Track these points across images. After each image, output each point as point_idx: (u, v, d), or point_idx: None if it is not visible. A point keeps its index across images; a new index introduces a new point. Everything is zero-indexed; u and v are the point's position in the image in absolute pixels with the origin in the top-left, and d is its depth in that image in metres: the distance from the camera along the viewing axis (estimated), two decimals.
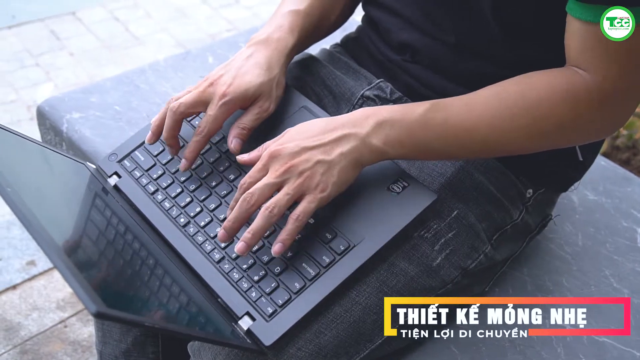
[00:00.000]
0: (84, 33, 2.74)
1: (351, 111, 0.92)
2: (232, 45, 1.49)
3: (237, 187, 0.82)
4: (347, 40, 1.05)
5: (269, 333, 0.72)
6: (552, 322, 0.90)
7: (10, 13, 2.82)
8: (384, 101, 0.92)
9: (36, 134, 2.08)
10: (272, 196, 0.73)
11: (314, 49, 1.13)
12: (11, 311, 1.54)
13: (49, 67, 2.52)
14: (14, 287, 1.61)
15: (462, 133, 0.75)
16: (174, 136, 0.84)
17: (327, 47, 1.07)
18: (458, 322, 0.90)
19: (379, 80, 0.93)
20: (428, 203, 0.78)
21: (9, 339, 1.48)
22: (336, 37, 1.19)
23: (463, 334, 0.88)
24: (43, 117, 1.31)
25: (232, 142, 0.83)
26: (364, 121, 0.75)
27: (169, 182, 0.86)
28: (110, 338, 0.98)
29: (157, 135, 0.86)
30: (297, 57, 1.02)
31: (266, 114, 0.86)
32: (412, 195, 0.78)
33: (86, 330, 1.51)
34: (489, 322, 0.90)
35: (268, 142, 0.78)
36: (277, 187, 0.73)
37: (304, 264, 0.76)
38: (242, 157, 0.79)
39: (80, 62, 2.56)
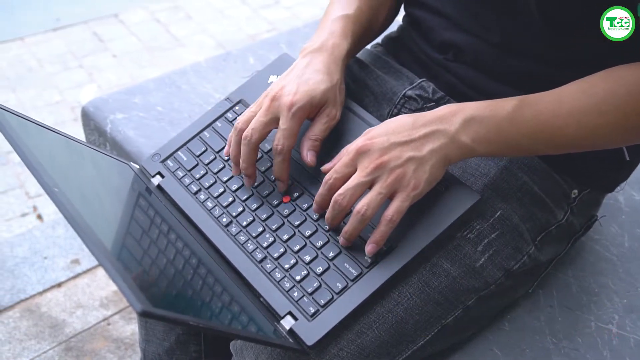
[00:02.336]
0: (126, 35, 2.78)
1: (392, 112, 0.92)
2: (273, 45, 1.50)
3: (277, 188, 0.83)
4: (388, 40, 1.05)
5: (311, 333, 0.72)
6: (598, 325, 0.89)
7: (54, 16, 2.88)
8: (426, 101, 0.91)
9: (80, 135, 2.12)
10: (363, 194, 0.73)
11: None
12: (56, 309, 1.57)
13: (92, 68, 2.56)
14: (59, 285, 1.64)
15: (551, 130, 0.74)
16: (252, 164, 0.82)
17: (368, 47, 1.07)
18: (501, 324, 0.89)
19: (421, 80, 0.93)
20: (471, 204, 0.77)
21: (54, 336, 1.51)
22: None
23: (506, 336, 0.88)
24: (87, 118, 1.33)
25: (308, 156, 0.80)
26: (452, 117, 0.73)
27: (212, 182, 0.87)
28: (153, 336, 0.99)
29: (239, 167, 0.82)
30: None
31: (334, 122, 0.83)
32: (455, 196, 0.78)
33: (129, 328, 1.53)
34: (533, 324, 0.89)
35: (349, 145, 0.75)
36: (368, 185, 0.72)
37: (345, 264, 0.75)
38: (326, 166, 0.78)
39: (122, 63, 2.60)
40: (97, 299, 1.60)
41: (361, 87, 0.97)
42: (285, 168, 0.80)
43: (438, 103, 0.91)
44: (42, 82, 2.48)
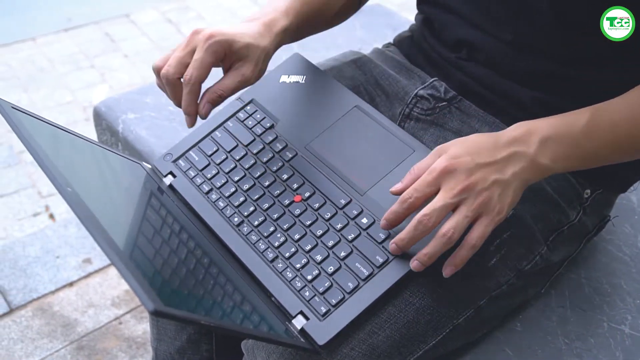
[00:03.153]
0: (138, 35, 2.78)
1: (404, 111, 0.92)
2: (284, 45, 1.50)
3: (290, 187, 0.83)
4: (400, 40, 1.04)
5: (323, 332, 0.72)
6: (611, 325, 0.89)
7: (66, 16, 2.89)
8: (438, 100, 0.91)
9: (92, 135, 2.13)
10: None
11: (367, 49, 1.13)
12: (68, 308, 1.58)
13: (104, 68, 2.57)
14: (71, 284, 1.64)
15: (628, 137, 0.74)
16: (179, 99, 0.81)
17: (379, 46, 1.07)
18: (513, 324, 0.89)
19: (432, 79, 0.93)
20: None
21: (66, 334, 1.51)
22: (388, 36, 1.19)
23: (518, 336, 0.87)
24: (99, 118, 1.33)
25: (205, 107, 0.80)
26: (528, 138, 0.71)
27: (223, 181, 0.87)
28: (165, 336, 1.00)
29: (186, 114, 0.82)
30: (349, 57, 1.02)
31: (246, 84, 0.82)
32: None
33: (140, 327, 1.54)
34: (545, 324, 0.89)
35: (420, 163, 0.72)
36: (453, 208, 0.69)
37: (357, 264, 0.75)
38: (396, 188, 0.73)
39: (133, 63, 2.61)
40: (108, 298, 1.61)
41: (373, 86, 0.97)
42: (192, 100, 0.79)
43: (450, 102, 0.90)
44: (54, 82, 2.49)
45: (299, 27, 0.91)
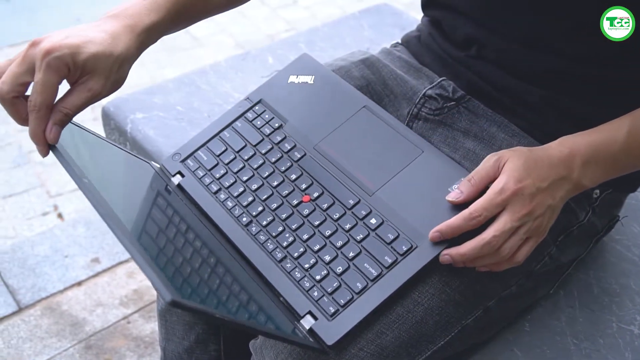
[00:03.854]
0: None
1: (412, 111, 0.92)
2: (292, 45, 1.50)
3: (298, 188, 0.83)
4: (408, 39, 1.04)
5: (331, 333, 0.72)
6: (620, 326, 0.88)
7: (74, 16, 2.90)
8: (446, 100, 0.91)
9: (101, 134, 2.13)
10: None
11: (375, 49, 1.13)
12: (76, 307, 1.58)
13: None
14: (79, 283, 1.65)
15: None
16: (21, 120, 0.70)
17: (387, 46, 1.06)
18: (521, 324, 0.88)
19: (441, 79, 0.92)
20: None
21: (75, 334, 1.52)
22: (396, 36, 1.19)
23: (526, 336, 0.87)
24: (108, 118, 1.34)
25: (52, 130, 0.69)
26: (572, 161, 0.73)
27: (232, 181, 0.87)
28: (173, 335, 1.00)
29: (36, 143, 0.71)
30: (357, 57, 1.01)
31: (96, 98, 0.71)
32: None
33: (148, 326, 1.54)
34: (554, 325, 0.88)
35: (480, 173, 0.73)
36: (516, 230, 0.71)
37: (365, 264, 0.75)
38: (458, 199, 0.74)
39: (141, 63, 2.60)
40: (117, 298, 1.61)
41: (381, 86, 0.97)
42: (38, 127, 0.68)
43: (458, 102, 0.90)
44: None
45: (173, 20, 0.80)
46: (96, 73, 0.70)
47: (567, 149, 0.74)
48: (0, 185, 2.01)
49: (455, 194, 0.74)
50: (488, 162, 0.73)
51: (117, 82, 0.73)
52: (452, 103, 0.90)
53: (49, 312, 1.57)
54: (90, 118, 2.29)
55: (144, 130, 1.25)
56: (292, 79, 0.94)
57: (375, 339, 0.74)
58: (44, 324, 1.54)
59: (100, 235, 1.78)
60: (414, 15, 1.69)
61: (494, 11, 0.85)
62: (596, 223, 0.89)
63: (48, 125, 0.68)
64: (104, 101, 2.27)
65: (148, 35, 0.77)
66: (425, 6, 0.98)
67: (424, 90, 0.92)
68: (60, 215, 1.90)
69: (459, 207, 0.75)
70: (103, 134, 1.40)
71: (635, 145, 0.75)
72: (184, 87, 1.36)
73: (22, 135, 2.18)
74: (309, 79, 0.93)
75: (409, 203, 0.78)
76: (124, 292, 1.63)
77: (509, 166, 0.72)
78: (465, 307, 0.78)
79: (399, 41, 1.07)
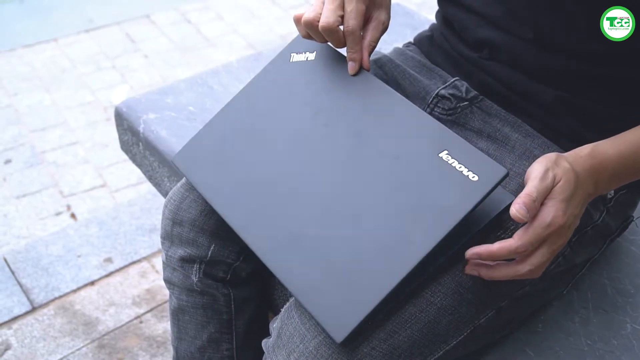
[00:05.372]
0: (158, 35, 2.80)
1: (425, 111, 0.92)
2: None
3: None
4: (420, 39, 1.04)
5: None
6: (634, 327, 0.88)
7: (87, 17, 2.91)
8: (459, 100, 0.90)
9: (113, 135, 2.15)
10: None
11: (387, 48, 1.13)
12: (89, 306, 1.59)
13: (124, 69, 2.59)
14: (92, 283, 1.66)
15: None
16: (352, 49, 0.84)
17: (400, 45, 1.06)
18: (534, 325, 0.88)
19: (454, 79, 0.92)
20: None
21: (88, 333, 1.52)
22: (408, 36, 1.18)
23: (539, 337, 0.87)
24: (121, 118, 1.34)
25: (366, 60, 0.84)
26: (599, 177, 0.75)
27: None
28: (185, 335, 1.00)
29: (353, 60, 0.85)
30: (371, 57, 1.02)
31: (384, 26, 0.86)
32: (490, 197, 0.75)
33: (161, 326, 1.54)
34: (567, 325, 0.88)
35: (540, 190, 0.69)
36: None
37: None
38: (525, 219, 0.68)
39: (153, 64, 2.62)
40: (129, 297, 1.62)
41: (394, 86, 0.96)
42: (358, 47, 0.83)
43: (471, 102, 0.90)
44: (75, 82, 2.51)
45: None
46: (383, 7, 0.86)
47: (597, 162, 0.74)
48: (14, 186, 2.02)
49: (522, 212, 0.68)
50: (545, 180, 0.70)
51: (388, 16, 0.88)
52: (465, 103, 0.90)
53: (62, 312, 1.57)
54: (103, 118, 2.30)
55: (157, 131, 1.25)
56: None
57: (387, 339, 0.74)
58: (57, 324, 1.54)
59: (112, 235, 1.79)
60: (426, 15, 1.68)
61: (506, 10, 0.85)
62: (610, 223, 0.88)
63: (364, 55, 0.84)
64: (116, 101, 2.28)
65: None
66: (440, 0, 0.98)
67: (437, 90, 0.92)
68: (73, 215, 1.91)
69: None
70: (115, 134, 1.41)
71: None
72: (196, 88, 1.37)
73: (35, 136, 2.20)
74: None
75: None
76: (136, 291, 1.63)
77: (558, 191, 0.70)
78: (478, 307, 0.78)
79: (411, 41, 1.07)
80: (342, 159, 0.81)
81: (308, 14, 0.82)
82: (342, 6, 0.81)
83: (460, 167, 0.74)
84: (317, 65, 0.90)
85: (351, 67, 0.84)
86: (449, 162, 0.74)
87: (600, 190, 0.76)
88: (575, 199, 0.71)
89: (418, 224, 0.73)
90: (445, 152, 0.75)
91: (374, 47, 0.86)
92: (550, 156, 0.72)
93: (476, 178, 0.72)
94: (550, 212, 0.68)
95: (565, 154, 0.74)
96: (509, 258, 0.71)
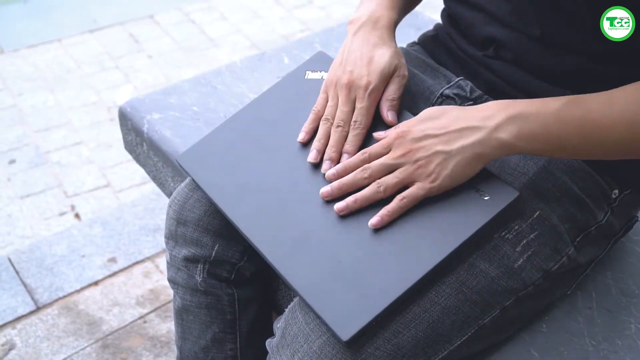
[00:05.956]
0: (162, 35, 2.80)
1: None
2: (307, 45, 1.50)
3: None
4: (425, 39, 1.04)
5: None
6: (638, 327, 0.88)
7: (91, 17, 2.92)
8: (463, 100, 0.90)
9: (116, 135, 2.15)
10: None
11: None
12: (93, 306, 1.59)
13: (128, 69, 2.59)
14: (96, 283, 1.66)
15: (600, 130, 0.73)
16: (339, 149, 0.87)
17: (404, 45, 1.06)
18: (538, 325, 0.88)
19: (458, 79, 0.92)
20: (509, 201, 0.76)
21: (92, 333, 1.53)
22: (412, 35, 1.18)
23: (543, 337, 0.87)
24: (125, 118, 1.34)
25: (389, 115, 0.85)
26: (495, 114, 0.74)
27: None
28: (189, 334, 1.00)
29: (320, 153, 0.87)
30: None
31: (405, 79, 0.88)
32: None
33: (165, 326, 1.55)
34: (571, 326, 0.88)
35: (404, 122, 0.79)
36: (393, 169, 0.76)
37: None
38: (379, 134, 0.82)
39: (157, 64, 2.62)
40: (133, 297, 1.62)
41: None
42: (357, 143, 0.84)
43: (476, 102, 0.90)
44: (79, 82, 2.52)
45: (401, 16, 0.97)
46: (397, 68, 0.87)
47: (495, 105, 0.75)
48: (18, 186, 2.02)
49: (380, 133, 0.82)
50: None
51: (405, 64, 0.89)
52: (470, 103, 0.90)
53: (66, 312, 1.58)
54: (107, 118, 2.30)
55: (161, 131, 1.26)
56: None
57: (391, 339, 0.74)
58: (61, 323, 1.55)
59: (116, 235, 1.79)
60: (430, 15, 1.68)
61: (512, 7, 0.85)
62: (614, 224, 0.88)
63: (384, 112, 0.85)
64: (120, 102, 2.28)
65: (394, 29, 0.94)
66: None
67: (441, 90, 0.92)
68: (77, 215, 1.92)
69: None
70: (119, 134, 1.41)
71: (569, 112, 0.73)
72: (200, 88, 1.37)
73: (39, 136, 2.20)
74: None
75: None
76: (140, 291, 1.64)
77: (418, 116, 0.78)
78: (482, 307, 0.78)
79: (416, 40, 1.07)
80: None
81: (326, 111, 0.87)
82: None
83: (474, 187, 0.77)
84: None
85: (327, 165, 0.84)
86: (472, 189, 0.77)
87: (500, 129, 0.73)
88: (433, 121, 0.76)
89: (428, 236, 0.75)
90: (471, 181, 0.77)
91: (395, 99, 0.86)
92: None
93: (488, 198, 0.76)
94: (399, 124, 0.79)
95: None
96: (360, 164, 0.79)
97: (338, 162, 0.84)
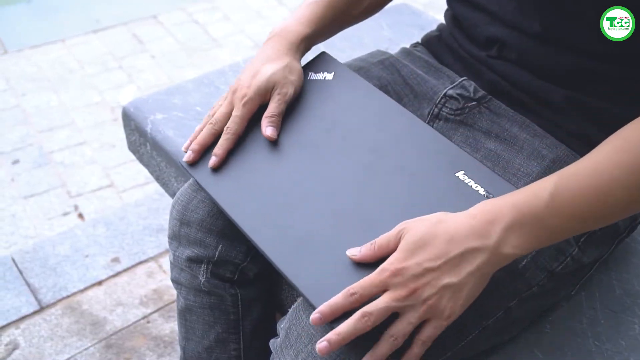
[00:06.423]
0: (165, 36, 2.80)
1: (433, 111, 0.92)
2: None
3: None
4: (428, 39, 1.04)
5: None
6: None
7: (94, 18, 2.92)
8: (467, 100, 0.90)
9: (120, 135, 2.15)
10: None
11: (394, 49, 1.13)
12: (97, 306, 1.59)
13: (131, 69, 2.59)
14: (100, 283, 1.66)
15: (597, 204, 0.68)
16: (206, 145, 0.91)
17: (407, 46, 1.06)
18: (542, 326, 0.88)
19: (462, 79, 0.92)
20: None
21: (95, 333, 1.53)
22: (415, 36, 1.18)
23: (547, 338, 0.87)
24: (128, 119, 1.34)
25: (267, 131, 0.88)
26: (489, 229, 0.67)
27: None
28: (193, 335, 1.00)
29: (199, 150, 0.91)
30: (376, 57, 1.01)
31: (287, 97, 0.90)
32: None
33: (168, 326, 1.55)
34: (575, 326, 0.88)
35: (382, 239, 0.71)
36: (397, 311, 0.67)
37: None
38: (354, 256, 0.72)
39: (160, 64, 2.62)
40: (136, 297, 1.62)
41: (401, 86, 0.97)
42: (227, 147, 0.89)
43: (479, 102, 0.90)
44: (83, 83, 2.52)
45: (323, 32, 0.98)
46: (277, 84, 0.90)
47: (482, 217, 0.68)
48: (22, 186, 2.03)
49: (354, 250, 0.72)
50: (394, 230, 0.70)
51: (294, 81, 0.92)
52: (473, 103, 0.90)
53: (69, 312, 1.58)
54: (110, 119, 2.31)
55: (164, 131, 1.26)
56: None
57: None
58: (64, 323, 1.55)
59: (120, 235, 1.79)
60: (433, 15, 1.68)
61: (516, 6, 0.85)
62: (618, 224, 0.88)
63: (263, 129, 0.89)
64: (123, 102, 2.28)
65: (305, 44, 0.97)
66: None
67: (445, 90, 0.92)
68: (80, 215, 1.92)
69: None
70: (123, 135, 1.41)
71: (562, 200, 0.68)
72: (203, 88, 1.37)
73: (42, 136, 2.21)
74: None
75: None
76: (143, 291, 1.64)
77: (402, 242, 0.68)
78: (486, 307, 0.77)
79: (419, 41, 1.07)
80: (357, 169, 0.82)
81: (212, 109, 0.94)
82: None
83: (476, 187, 0.76)
84: (334, 84, 0.93)
85: (212, 161, 0.89)
86: (465, 181, 0.77)
87: (502, 245, 0.68)
88: (428, 251, 0.67)
89: None
90: (462, 172, 0.77)
91: (275, 116, 0.89)
92: (429, 215, 0.71)
93: (491, 197, 0.75)
94: (389, 260, 0.68)
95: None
96: (350, 306, 0.68)
97: (198, 153, 0.90)
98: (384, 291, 0.67)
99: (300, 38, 0.94)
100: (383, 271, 0.67)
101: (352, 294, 0.68)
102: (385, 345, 0.68)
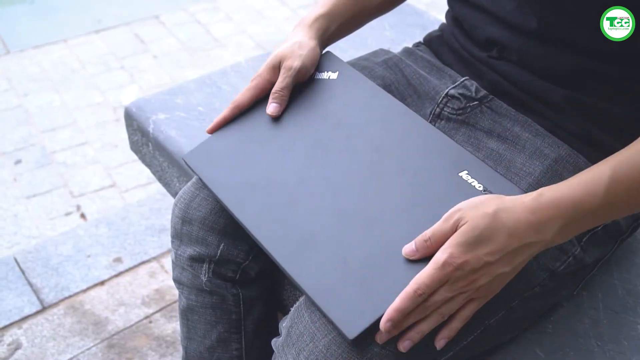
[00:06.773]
0: (167, 36, 2.81)
1: (435, 111, 0.92)
2: None
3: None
4: (430, 39, 1.04)
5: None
6: None
7: (96, 18, 2.92)
8: (469, 100, 0.90)
9: (122, 135, 2.15)
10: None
11: (396, 48, 1.13)
12: (99, 306, 1.60)
13: (133, 69, 2.59)
14: (102, 283, 1.66)
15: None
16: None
17: (410, 46, 1.06)
18: (544, 326, 0.88)
19: (463, 79, 0.92)
20: None
21: (97, 333, 1.53)
22: (417, 35, 1.18)
23: (549, 338, 0.87)
24: (131, 119, 1.34)
25: (269, 107, 0.91)
26: (548, 225, 0.69)
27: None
28: (195, 334, 1.00)
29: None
30: (379, 56, 1.02)
31: (293, 70, 0.91)
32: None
33: (170, 326, 1.55)
34: (577, 326, 0.88)
35: (436, 233, 0.70)
36: (452, 295, 0.70)
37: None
38: (412, 257, 0.72)
39: (162, 64, 2.63)
40: (139, 297, 1.62)
41: (404, 86, 0.97)
42: (224, 114, 0.94)
43: (481, 102, 0.90)
44: (85, 83, 2.52)
45: (339, 11, 0.99)
46: (285, 58, 0.92)
47: (547, 213, 0.69)
48: (24, 186, 2.03)
49: (410, 251, 0.72)
50: (447, 222, 0.70)
51: (302, 56, 0.92)
52: (475, 103, 0.90)
53: (72, 311, 1.58)
54: (112, 119, 2.31)
55: (166, 131, 1.26)
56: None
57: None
58: (67, 323, 1.55)
59: (122, 235, 1.79)
60: (435, 15, 1.68)
61: (515, 7, 0.85)
62: (621, 224, 0.88)
63: (268, 105, 0.91)
64: (125, 102, 2.28)
65: (319, 24, 0.98)
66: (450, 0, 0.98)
67: (447, 90, 0.92)
68: (83, 215, 1.92)
69: None
70: (125, 135, 1.41)
71: (616, 197, 0.70)
72: (205, 88, 1.37)
73: (45, 136, 2.21)
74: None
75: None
76: (145, 291, 1.64)
77: (460, 234, 0.68)
78: (488, 307, 0.77)
79: (421, 41, 1.07)
80: (361, 168, 0.82)
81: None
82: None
83: (479, 187, 0.76)
84: (339, 83, 0.93)
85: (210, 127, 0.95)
86: (469, 181, 0.77)
87: (556, 238, 0.71)
88: (489, 246, 0.68)
89: None
90: (465, 172, 0.78)
91: (279, 91, 0.91)
92: (479, 199, 0.71)
93: None
94: (445, 253, 0.68)
95: (508, 197, 0.71)
96: (416, 305, 0.69)
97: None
98: (444, 284, 0.69)
99: (314, 16, 0.97)
100: (446, 265, 0.67)
101: (420, 294, 0.68)
102: (432, 321, 0.71)
